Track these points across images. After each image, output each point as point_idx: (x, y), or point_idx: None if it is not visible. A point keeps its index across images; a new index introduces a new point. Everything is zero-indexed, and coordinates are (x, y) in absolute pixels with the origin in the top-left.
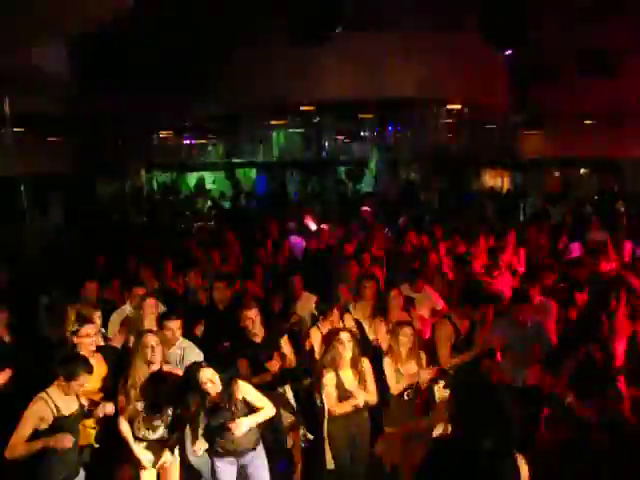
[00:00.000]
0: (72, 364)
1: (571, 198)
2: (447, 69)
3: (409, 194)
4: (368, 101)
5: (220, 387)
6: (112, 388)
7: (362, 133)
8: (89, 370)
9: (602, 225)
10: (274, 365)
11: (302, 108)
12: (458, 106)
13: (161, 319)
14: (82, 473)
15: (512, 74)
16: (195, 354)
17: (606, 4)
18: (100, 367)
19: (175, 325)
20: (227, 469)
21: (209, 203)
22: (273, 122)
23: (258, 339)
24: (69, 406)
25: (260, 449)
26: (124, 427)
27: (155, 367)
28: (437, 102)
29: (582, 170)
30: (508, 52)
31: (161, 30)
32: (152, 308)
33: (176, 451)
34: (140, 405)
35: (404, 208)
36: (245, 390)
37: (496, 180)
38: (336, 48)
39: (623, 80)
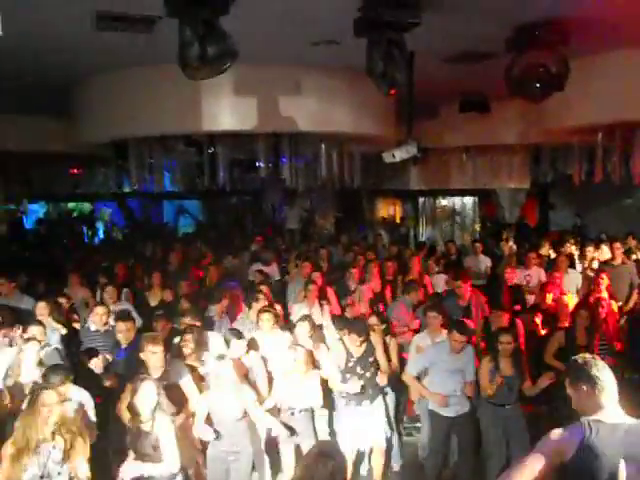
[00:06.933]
0: None
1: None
2: (339, 104)
3: (307, 223)
4: (261, 134)
5: None
6: None
7: (257, 164)
8: None
9: (485, 251)
10: None
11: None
12: (350, 140)
13: None
14: None
15: (399, 111)
16: None
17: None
18: None
19: None
20: None
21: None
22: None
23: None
24: None
25: None
26: None
27: None
28: (329, 136)
29: (466, 200)
30: (393, 92)
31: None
32: None
33: None
34: None
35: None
36: None
37: (389, 209)
38: (229, 80)
39: (497, 118)
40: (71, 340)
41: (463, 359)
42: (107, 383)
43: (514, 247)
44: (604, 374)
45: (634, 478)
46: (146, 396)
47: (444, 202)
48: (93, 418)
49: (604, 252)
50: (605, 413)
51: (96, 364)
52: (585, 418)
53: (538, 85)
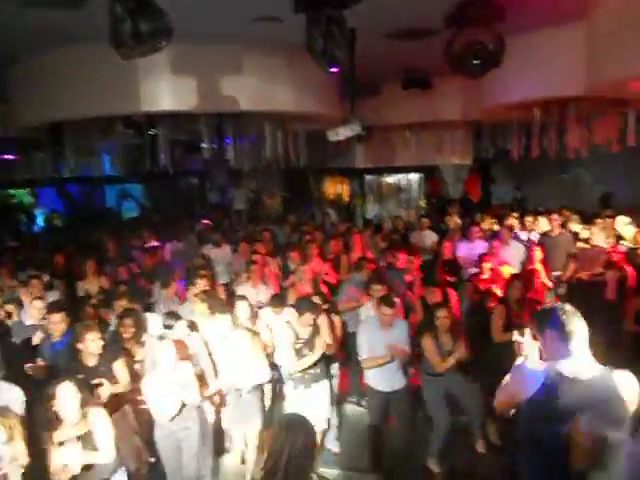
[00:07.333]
0: None
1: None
2: (280, 83)
3: (255, 204)
4: (203, 115)
5: None
6: None
7: (200, 145)
8: None
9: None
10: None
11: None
12: (293, 118)
13: None
14: None
15: (341, 89)
16: None
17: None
18: None
19: None
20: None
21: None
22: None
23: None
24: None
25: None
26: None
27: None
28: (272, 115)
29: (411, 176)
30: (335, 70)
31: None
32: None
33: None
34: None
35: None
36: None
37: (336, 188)
38: (167, 59)
39: (439, 95)
40: (3, 335)
41: (393, 333)
42: (29, 372)
43: (459, 222)
44: (573, 320)
45: (587, 427)
46: (67, 398)
47: (389, 180)
48: (20, 412)
49: (541, 224)
50: (571, 363)
51: (33, 369)
52: (550, 367)
53: (476, 61)
